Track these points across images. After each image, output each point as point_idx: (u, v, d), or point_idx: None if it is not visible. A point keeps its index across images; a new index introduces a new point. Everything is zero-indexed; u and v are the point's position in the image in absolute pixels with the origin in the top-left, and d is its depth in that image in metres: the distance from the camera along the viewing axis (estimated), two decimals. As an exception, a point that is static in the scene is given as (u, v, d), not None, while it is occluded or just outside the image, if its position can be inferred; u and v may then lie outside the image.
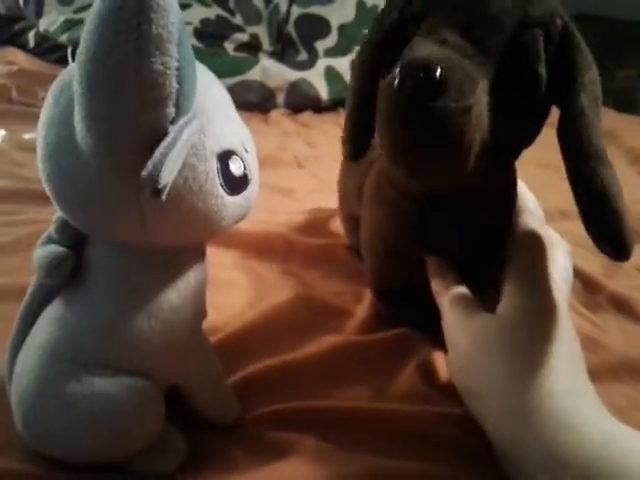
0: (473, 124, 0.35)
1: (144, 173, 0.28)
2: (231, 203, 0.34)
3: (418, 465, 0.39)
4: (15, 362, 0.39)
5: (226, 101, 0.36)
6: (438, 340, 0.48)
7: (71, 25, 1.40)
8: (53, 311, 0.38)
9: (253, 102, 1.26)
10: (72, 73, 0.31)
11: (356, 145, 0.45)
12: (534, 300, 0.40)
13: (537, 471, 0.33)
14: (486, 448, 0.39)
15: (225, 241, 0.66)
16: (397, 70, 0.34)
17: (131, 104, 0.28)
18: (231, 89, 0.35)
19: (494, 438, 0.37)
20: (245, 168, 0.35)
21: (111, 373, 0.35)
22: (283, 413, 0.44)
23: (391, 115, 0.36)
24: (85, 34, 0.27)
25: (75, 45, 0.99)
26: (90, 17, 0.27)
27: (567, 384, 0.36)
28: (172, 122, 0.29)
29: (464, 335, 0.40)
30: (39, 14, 1.47)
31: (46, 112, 0.33)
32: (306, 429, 0.43)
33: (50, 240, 0.37)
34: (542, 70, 0.37)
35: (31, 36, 1.51)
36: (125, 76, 0.27)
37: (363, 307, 0.57)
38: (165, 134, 0.29)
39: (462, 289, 0.44)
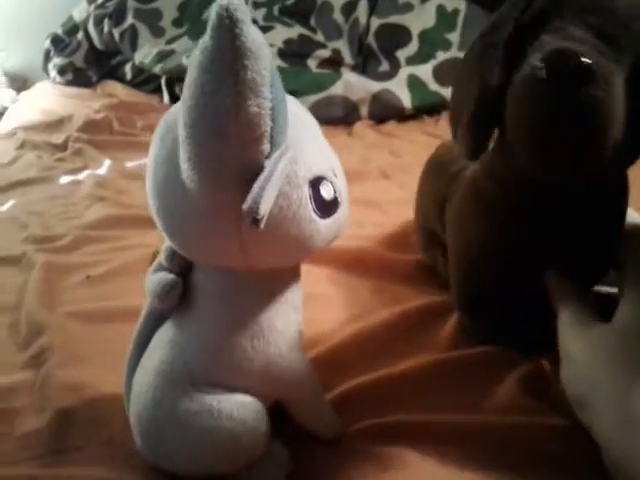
0: (617, 116, 0.35)
1: (245, 207, 0.30)
2: (324, 226, 0.36)
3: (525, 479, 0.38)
4: (132, 383, 0.42)
5: (314, 127, 0.38)
6: (531, 358, 0.48)
7: (164, 56, 1.48)
8: (165, 334, 0.41)
9: (337, 116, 1.28)
10: (176, 114, 0.34)
11: (478, 144, 0.45)
12: None
13: None
14: (594, 461, 0.38)
15: (318, 257, 0.68)
16: (539, 60, 0.35)
17: (231, 145, 0.30)
18: (316, 105, 0.37)
19: (606, 448, 0.36)
20: (335, 192, 0.36)
21: (220, 391, 0.38)
22: (385, 427, 0.45)
23: (535, 105, 0.36)
24: (188, 82, 0.30)
25: (168, 75, 1.07)
26: (192, 66, 0.30)
27: None
28: (267, 156, 0.31)
29: (582, 345, 0.39)
30: (134, 47, 1.56)
31: (154, 151, 0.36)
32: (408, 443, 0.43)
33: (160, 268, 0.40)
34: None
35: (128, 69, 1.61)
36: (225, 119, 0.29)
37: (451, 323, 0.57)
38: (262, 168, 0.31)
39: (583, 302, 0.42)
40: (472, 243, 0.51)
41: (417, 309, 0.59)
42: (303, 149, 0.34)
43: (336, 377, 0.50)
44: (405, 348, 0.54)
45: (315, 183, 0.35)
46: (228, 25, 0.28)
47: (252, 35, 0.28)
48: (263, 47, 0.29)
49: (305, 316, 0.42)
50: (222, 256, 0.36)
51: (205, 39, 0.29)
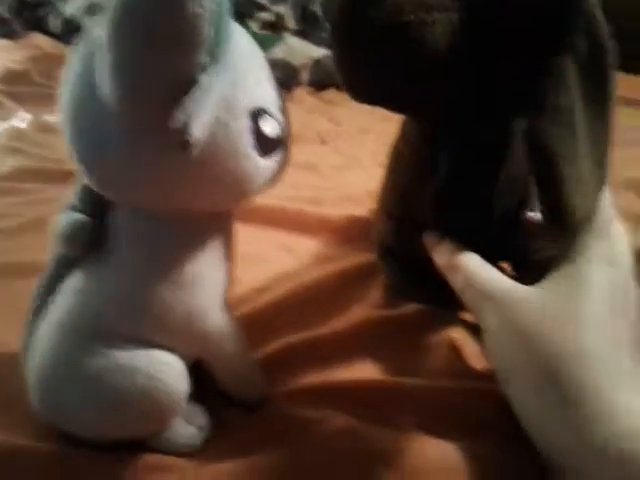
0: (409, 42, 0.33)
1: (175, 123, 0.26)
2: (263, 166, 0.32)
3: (457, 444, 0.37)
4: (31, 338, 0.38)
5: (261, 61, 0.34)
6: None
7: (95, 9, 1.39)
8: (73, 283, 0.36)
9: (277, 80, 1.24)
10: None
11: None
12: (582, 275, 0.35)
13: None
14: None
15: (253, 215, 0.65)
16: None
17: (161, 48, 0.26)
18: None
19: (523, 423, 0.35)
20: (278, 129, 0.33)
21: (137, 347, 0.34)
22: (310, 389, 0.43)
23: (330, 20, 0.35)
24: None
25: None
26: None
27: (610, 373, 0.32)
28: (203, 71, 0.27)
29: (492, 314, 0.36)
30: (64, -2, 1.46)
31: (70, 68, 0.31)
32: (335, 405, 0.41)
33: (72, 208, 0.36)
34: (526, 25, 0.34)
35: (56, 21, 1.50)
36: (157, 16, 0.25)
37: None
38: (195, 82, 0.27)
39: (475, 259, 0.39)
40: (386, 196, 0.51)
41: (350, 268, 0.57)
42: (246, 75, 0.31)
43: (264, 336, 0.47)
44: (338, 307, 0.52)
45: (256, 115, 0.31)
46: None
47: None
48: None
49: (237, 274, 0.39)
50: (145, 193, 0.31)
51: None
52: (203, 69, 0.27)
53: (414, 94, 0.37)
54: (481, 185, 0.42)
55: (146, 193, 0.31)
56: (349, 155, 0.93)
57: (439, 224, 0.43)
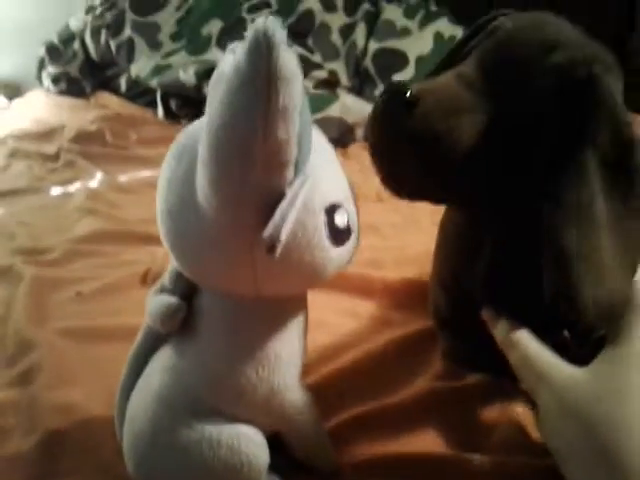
0: (440, 150, 0.37)
1: (266, 234, 0.29)
2: (336, 254, 0.35)
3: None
4: (125, 406, 0.41)
5: (331, 155, 0.37)
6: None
7: (160, 70, 1.48)
8: (164, 358, 0.40)
9: (333, 138, 1.28)
10: (194, 135, 0.34)
11: None
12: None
13: None
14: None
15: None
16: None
17: (256, 169, 0.29)
18: None
19: None
20: (348, 220, 0.36)
21: (222, 420, 0.37)
22: (377, 461, 0.44)
23: (366, 130, 0.40)
24: (217, 104, 0.29)
25: (164, 89, 1.05)
26: (222, 88, 0.29)
27: None
28: (289, 183, 0.31)
29: (544, 393, 0.37)
30: (130, 60, 1.56)
31: (166, 173, 0.35)
32: (404, 477, 0.43)
33: (163, 289, 0.39)
34: (548, 119, 0.37)
35: (123, 81, 1.60)
36: (252, 143, 0.29)
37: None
38: (283, 195, 0.30)
39: (529, 339, 0.40)
40: (440, 270, 0.53)
41: (414, 334, 0.58)
42: (321, 176, 0.34)
43: (332, 405, 0.49)
44: (402, 374, 0.53)
45: (330, 211, 0.34)
46: (265, 49, 0.27)
47: (288, 61, 0.27)
48: (297, 73, 0.28)
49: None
50: (232, 282, 0.35)
51: (239, 60, 0.28)
52: (289, 182, 0.31)
53: (448, 190, 0.40)
54: (526, 265, 0.42)
55: (231, 283, 0.35)
56: (407, 214, 0.94)
57: (492, 302, 0.45)
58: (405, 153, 0.38)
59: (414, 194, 0.41)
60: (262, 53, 0.27)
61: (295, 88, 0.28)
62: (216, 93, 0.31)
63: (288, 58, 0.27)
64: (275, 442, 0.41)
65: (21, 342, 0.60)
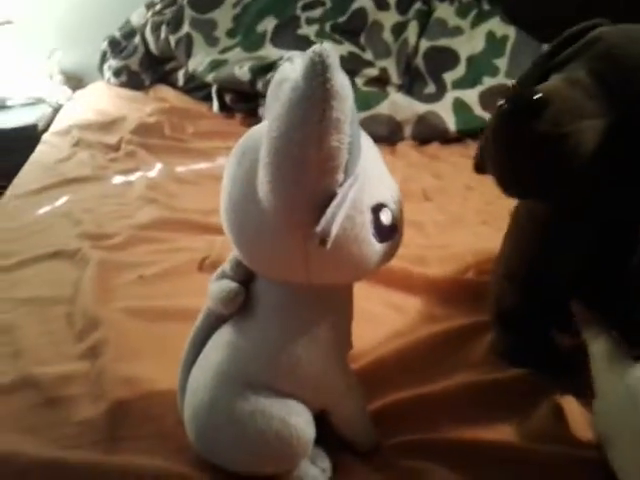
0: (567, 151, 0.38)
1: (318, 229, 0.33)
2: (380, 249, 0.39)
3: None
4: (187, 380, 0.45)
5: (378, 157, 0.41)
6: (563, 383, 0.50)
7: (217, 65, 1.53)
8: (224, 337, 0.44)
9: (381, 135, 1.30)
10: (254, 139, 0.38)
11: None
12: None
13: None
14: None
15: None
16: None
17: (311, 173, 0.33)
18: (361, 123, 0.40)
19: None
20: (393, 218, 0.39)
21: (274, 395, 0.41)
22: (419, 443, 0.48)
23: (489, 129, 0.41)
24: (276, 115, 0.33)
25: (220, 84, 1.10)
26: (282, 101, 0.33)
27: None
28: (340, 184, 0.34)
29: (614, 385, 0.40)
30: (188, 55, 1.61)
31: (230, 170, 0.39)
32: (440, 460, 0.46)
33: (224, 275, 0.44)
34: None
35: (180, 75, 1.66)
36: (308, 151, 0.33)
37: (487, 343, 0.59)
38: (334, 195, 0.34)
39: (612, 336, 0.43)
40: (510, 263, 0.54)
41: (456, 329, 0.61)
42: (368, 177, 0.37)
43: (375, 391, 0.52)
44: (442, 367, 0.56)
45: (376, 209, 0.38)
46: (320, 70, 0.31)
47: (340, 80, 0.32)
48: (348, 90, 0.32)
49: (353, 331, 0.45)
50: (286, 271, 0.39)
51: (297, 79, 0.32)
52: (340, 184, 0.34)
53: (566, 189, 0.41)
54: (624, 255, 0.45)
55: (286, 272, 0.39)
56: (453, 212, 0.96)
57: (579, 295, 0.47)
58: (532, 152, 0.39)
59: (529, 192, 0.43)
60: (318, 74, 0.31)
61: (346, 104, 0.32)
62: (275, 98, 0.35)
63: (341, 78, 0.32)
64: (321, 420, 0.45)
65: (89, 320, 0.66)
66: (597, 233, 0.46)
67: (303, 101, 0.32)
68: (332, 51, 0.32)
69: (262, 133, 0.36)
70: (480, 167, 0.49)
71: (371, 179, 0.38)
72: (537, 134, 0.38)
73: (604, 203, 0.43)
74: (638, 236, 0.45)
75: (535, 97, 0.37)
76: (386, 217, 0.38)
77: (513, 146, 0.39)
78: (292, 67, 0.41)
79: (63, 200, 1.04)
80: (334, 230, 0.34)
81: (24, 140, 1.48)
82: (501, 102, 0.39)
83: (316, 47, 0.32)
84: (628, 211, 0.44)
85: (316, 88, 0.31)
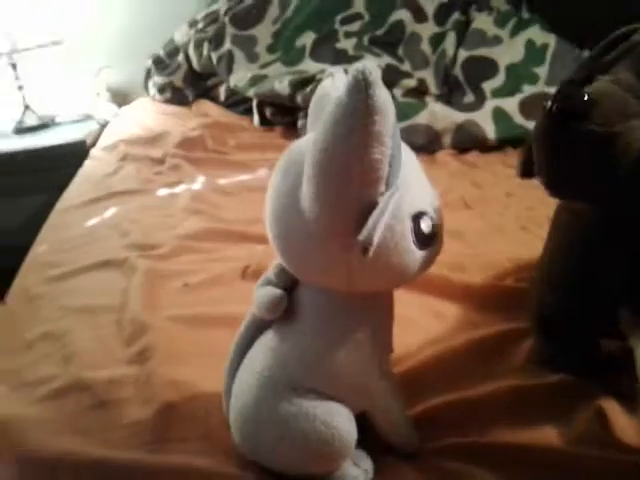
0: (617, 151, 0.38)
1: (360, 237, 0.35)
2: (420, 257, 0.40)
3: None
4: (232, 383, 0.47)
5: (417, 167, 0.42)
6: (607, 388, 0.49)
7: (257, 80, 1.56)
8: (268, 342, 0.45)
9: (420, 144, 1.31)
10: (298, 152, 0.40)
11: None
12: None
13: None
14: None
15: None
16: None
17: (353, 185, 0.35)
18: (400, 133, 0.40)
19: None
20: (433, 226, 0.40)
21: (317, 398, 0.42)
22: (460, 446, 0.48)
23: (538, 131, 0.41)
24: (321, 129, 0.35)
25: (260, 98, 1.12)
26: (326, 116, 0.35)
27: None
28: (381, 194, 0.36)
29: None
30: (229, 71, 1.65)
31: (275, 182, 0.41)
32: (481, 463, 0.46)
33: (268, 282, 0.45)
34: None
35: (222, 90, 1.70)
36: (351, 163, 0.34)
37: (525, 349, 0.59)
38: (375, 204, 0.35)
39: None
40: (550, 268, 0.54)
41: (495, 335, 0.61)
42: (408, 187, 0.38)
43: (415, 395, 0.53)
44: (481, 372, 0.56)
45: (416, 218, 0.39)
46: (363, 86, 0.33)
47: (382, 96, 0.33)
48: (390, 105, 0.34)
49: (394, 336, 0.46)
50: (329, 278, 0.40)
51: (341, 95, 0.34)
52: (381, 194, 0.36)
53: (613, 192, 0.41)
54: None
55: (328, 279, 0.40)
56: (493, 221, 0.96)
57: (625, 299, 0.47)
58: (582, 153, 0.39)
59: (578, 195, 0.43)
60: (360, 89, 0.33)
61: (388, 118, 0.34)
62: (317, 112, 0.36)
63: (383, 94, 0.33)
64: (364, 422, 0.45)
65: (137, 326, 0.68)
66: None
67: (346, 116, 0.33)
68: (374, 68, 0.33)
69: (306, 147, 0.37)
70: (527, 172, 0.49)
71: (411, 188, 0.39)
72: (587, 134, 0.38)
73: None
74: None
75: (584, 98, 0.38)
76: (426, 225, 0.39)
77: (562, 147, 0.40)
78: (333, 82, 0.42)
79: (111, 212, 1.08)
80: (376, 239, 0.35)
81: (73, 156, 1.52)
82: (549, 103, 0.39)
83: (359, 65, 0.33)
84: None
85: (359, 104, 0.33)
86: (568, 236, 0.52)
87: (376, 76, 0.33)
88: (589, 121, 0.38)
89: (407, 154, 0.40)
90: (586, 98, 0.38)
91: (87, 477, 0.48)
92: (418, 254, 0.39)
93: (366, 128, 0.33)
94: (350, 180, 0.35)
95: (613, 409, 0.49)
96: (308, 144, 0.37)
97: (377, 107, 0.33)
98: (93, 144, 1.57)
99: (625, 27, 0.48)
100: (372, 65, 0.33)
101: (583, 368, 0.53)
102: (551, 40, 1.53)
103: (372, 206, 0.35)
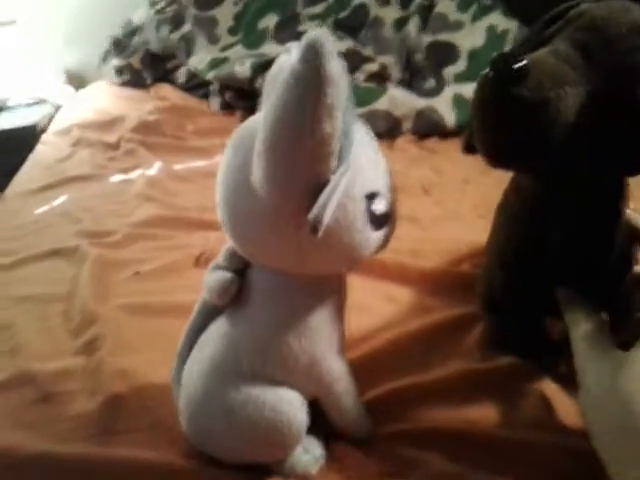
0: (548, 117, 0.38)
1: (310, 216, 0.34)
2: (374, 237, 0.39)
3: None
4: (182, 371, 0.46)
5: (373, 146, 0.40)
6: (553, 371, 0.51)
7: (217, 63, 1.53)
8: (218, 328, 0.44)
9: (380, 130, 1.30)
10: (250, 128, 0.38)
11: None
12: None
13: None
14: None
15: (359, 267, 0.70)
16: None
17: (304, 159, 0.34)
18: (360, 119, 0.39)
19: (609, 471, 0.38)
20: (387, 207, 0.39)
21: (266, 384, 0.41)
22: (412, 432, 0.48)
23: (475, 98, 0.41)
24: (273, 100, 0.33)
25: (220, 81, 1.10)
26: (278, 89, 0.33)
27: None
28: (333, 172, 0.35)
29: (596, 376, 0.40)
30: (189, 53, 1.62)
31: (227, 160, 0.39)
32: (433, 448, 0.46)
33: (219, 266, 0.44)
34: None
35: (181, 73, 1.66)
36: (301, 136, 0.33)
37: (477, 333, 0.59)
38: (327, 182, 0.34)
39: (596, 321, 0.43)
40: (499, 248, 0.54)
41: (448, 319, 0.61)
42: (362, 166, 0.37)
43: (368, 380, 0.52)
44: (435, 356, 0.56)
45: (370, 197, 0.38)
46: (316, 55, 0.31)
47: (335, 67, 0.32)
48: (343, 78, 0.33)
49: (346, 322, 0.45)
50: (280, 258, 0.39)
51: (294, 64, 0.32)
52: (333, 171, 0.34)
53: (547, 156, 0.41)
54: (607, 227, 0.46)
55: (278, 259, 0.39)
56: (450, 207, 0.96)
57: (565, 278, 0.47)
58: (514, 118, 0.39)
59: (512, 161, 0.43)
60: (313, 60, 0.31)
61: (340, 90, 0.32)
62: (272, 88, 0.35)
63: (335, 65, 0.32)
64: (315, 408, 0.45)
65: (86, 316, 0.66)
66: (581, 207, 0.46)
67: (298, 86, 0.32)
68: (327, 37, 0.32)
69: (257, 123, 0.36)
70: (469, 147, 0.49)
71: (365, 168, 0.38)
72: (518, 99, 0.38)
73: (584, 172, 0.43)
74: (618, 211, 0.46)
75: (518, 64, 0.38)
76: (380, 205, 0.38)
77: (495, 113, 0.40)
78: (289, 58, 0.41)
79: (62, 199, 1.05)
80: (326, 218, 0.34)
81: (24, 140, 1.48)
82: (485, 71, 0.39)
83: (312, 33, 0.32)
84: (608, 181, 0.44)
85: (311, 72, 0.32)
86: (513, 213, 0.52)
87: (330, 46, 0.32)
88: (521, 86, 0.38)
89: (362, 132, 0.39)
90: (520, 65, 0.38)
91: (29, 472, 0.46)
92: (371, 235, 0.38)
93: (318, 99, 0.32)
94: (300, 154, 0.33)
95: (557, 393, 0.50)
96: (260, 120, 0.35)
97: (329, 78, 0.32)
98: (47, 129, 1.52)
99: (567, 2, 0.48)
100: (325, 33, 0.32)
101: (529, 348, 0.53)
102: (512, 26, 1.53)
103: (323, 184, 0.34)
